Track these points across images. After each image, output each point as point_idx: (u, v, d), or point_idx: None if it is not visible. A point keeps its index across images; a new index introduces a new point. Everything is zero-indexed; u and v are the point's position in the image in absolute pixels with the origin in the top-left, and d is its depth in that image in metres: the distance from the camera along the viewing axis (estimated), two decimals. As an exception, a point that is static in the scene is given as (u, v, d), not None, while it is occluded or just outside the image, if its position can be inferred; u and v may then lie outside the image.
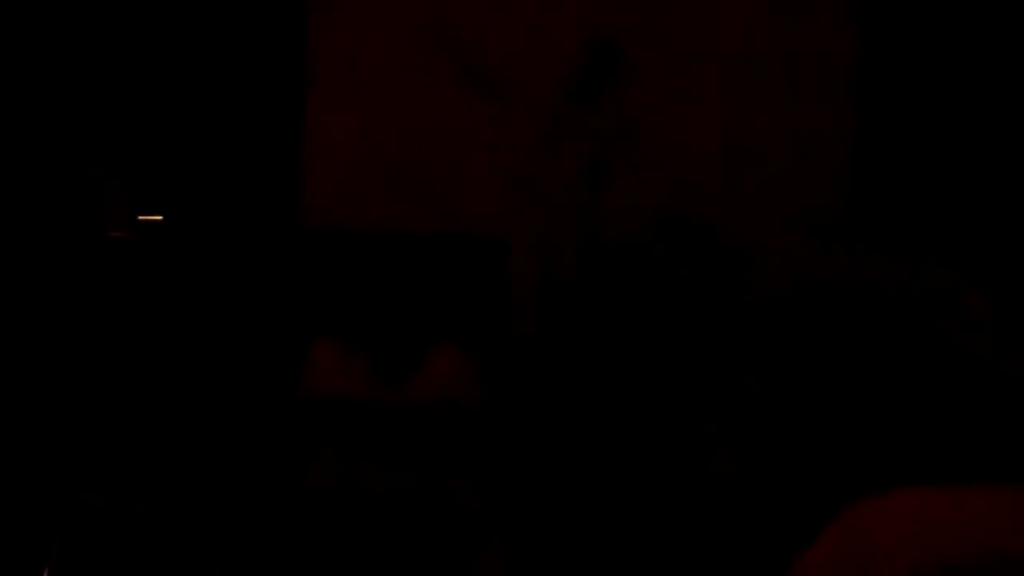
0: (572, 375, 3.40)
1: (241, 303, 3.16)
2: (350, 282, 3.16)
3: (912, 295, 0.98)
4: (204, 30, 6.97)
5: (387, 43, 6.29)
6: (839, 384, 0.98)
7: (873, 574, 0.83)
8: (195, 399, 2.73)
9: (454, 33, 5.36)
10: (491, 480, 2.61)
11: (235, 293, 3.17)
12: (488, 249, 4.98)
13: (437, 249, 3.71)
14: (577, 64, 4.73)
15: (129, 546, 2.51)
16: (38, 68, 6.83)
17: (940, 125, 6.26)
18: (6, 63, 5.70)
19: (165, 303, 2.95)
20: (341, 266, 3.35)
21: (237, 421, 2.71)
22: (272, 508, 2.59)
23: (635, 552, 2.01)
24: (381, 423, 2.78)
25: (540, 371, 4.03)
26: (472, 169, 6.27)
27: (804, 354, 1.00)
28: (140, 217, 6.36)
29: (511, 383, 3.10)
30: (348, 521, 2.63)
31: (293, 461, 2.72)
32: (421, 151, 6.51)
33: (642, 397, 2.35)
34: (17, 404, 2.68)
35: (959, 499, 0.87)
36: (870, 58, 6.39)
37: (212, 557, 2.59)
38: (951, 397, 0.94)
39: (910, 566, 0.82)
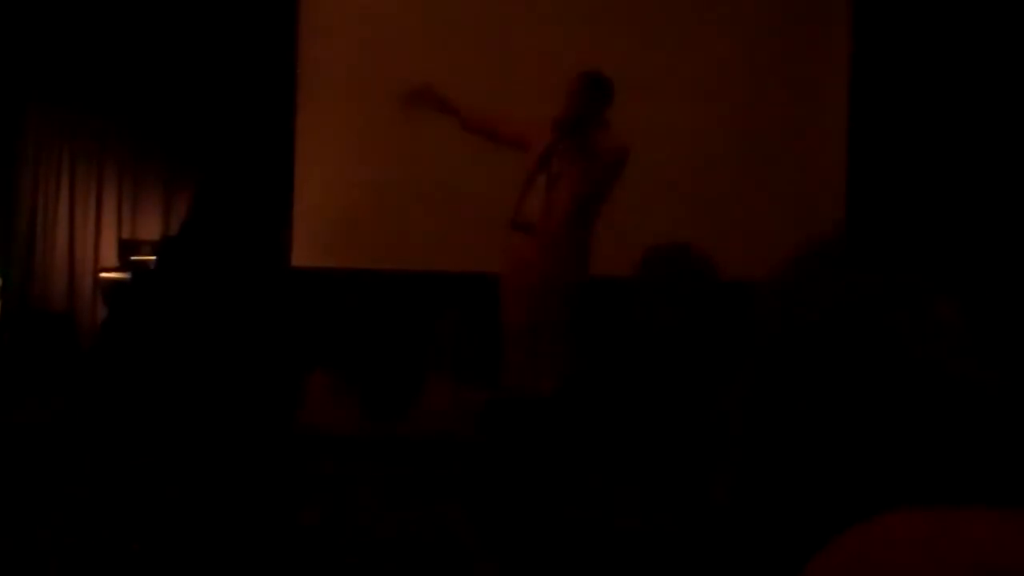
0: (565, 404, 3.38)
1: (235, 342, 3.16)
2: (344, 319, 3.16)
3: (879, 303, 0.98)
4: (199, 82, 7.05)
5: (379, 83, 6.32)
6: (820, 398, 0.98)
7: None
8: (187, 433, 2.72)
9: (444, 77, 5.40)
10: (487, 512, 2.60)
11: (229, 332, 3.17)
12: (480, 285, 5.00)
13: (431, 286, 3.71)
14: (571, 101, 4.75)
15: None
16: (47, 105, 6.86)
17: (931, 145, 6.33)
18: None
19: (159, 340, 2.95)
20: (334, 304, 3.35)
21: (231, 457, 2.71)
22: (265, 545, 2.58)
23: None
24: (376, 458, 2.77)
25: (533, 401, 4.03)
26: (465, 208, 6.30)
27: (788, 370, 1.00)
28: (133, 257, 6.39)
29: (507, 414, 3.09)
30: (341, 557, 2.62)
31: (286, 497, 2.71)
32: (415, 191, 6.54)
33: (637, 426, 2.35)
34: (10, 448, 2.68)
35: (956, 521, 0.86)
36: (864, 81, 6.46)
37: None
38: (917, 406, 0.94)
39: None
